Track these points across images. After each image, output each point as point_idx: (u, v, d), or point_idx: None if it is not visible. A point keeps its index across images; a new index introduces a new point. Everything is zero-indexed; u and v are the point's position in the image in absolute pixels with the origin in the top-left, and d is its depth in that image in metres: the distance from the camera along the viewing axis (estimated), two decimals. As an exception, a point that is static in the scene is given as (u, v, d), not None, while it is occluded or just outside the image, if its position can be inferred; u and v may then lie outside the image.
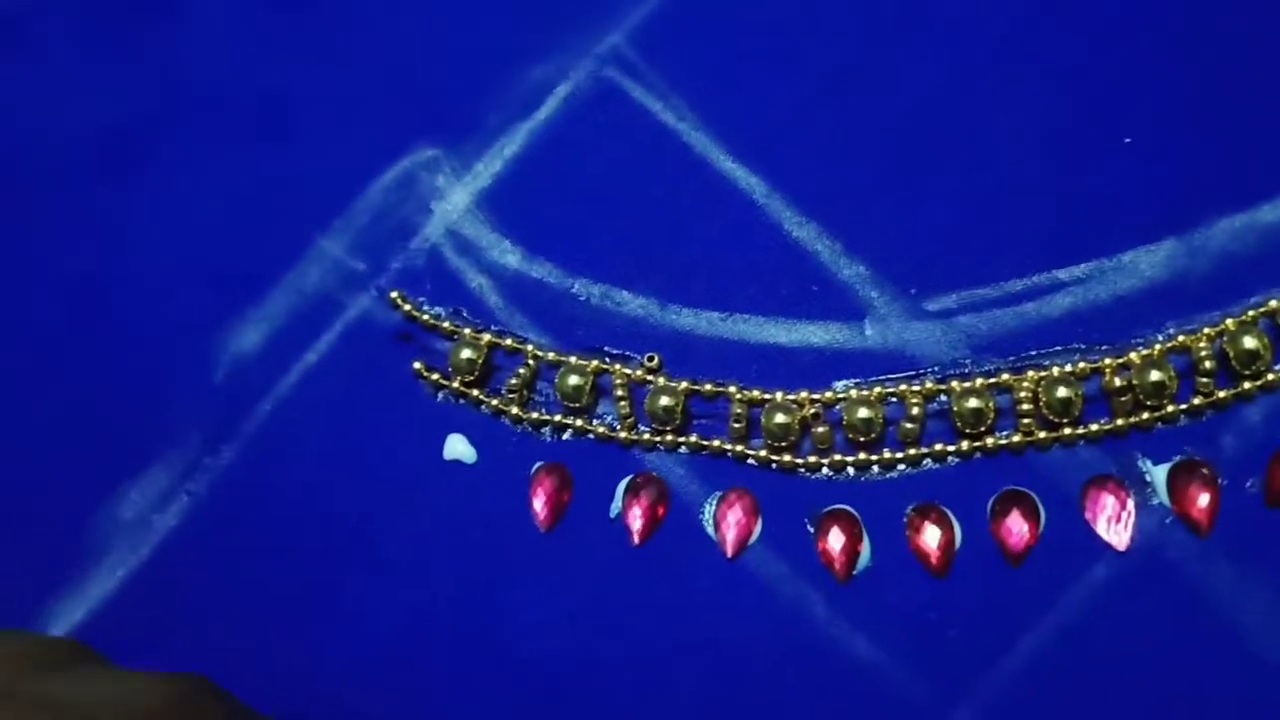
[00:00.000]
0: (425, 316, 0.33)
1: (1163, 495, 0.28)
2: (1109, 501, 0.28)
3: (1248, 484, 0.28)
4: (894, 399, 0.30)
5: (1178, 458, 0.29)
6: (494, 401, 0.32)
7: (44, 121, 0.36)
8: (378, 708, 0.31)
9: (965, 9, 0.32)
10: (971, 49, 0.32)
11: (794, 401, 0.30)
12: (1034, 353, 0.30)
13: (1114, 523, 0.28)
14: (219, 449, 0.33)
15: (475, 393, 0.32)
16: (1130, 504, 0.28)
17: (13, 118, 0.36)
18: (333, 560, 0.31)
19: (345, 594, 0.31)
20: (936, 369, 0.30)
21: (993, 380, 0.29)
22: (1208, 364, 0.28)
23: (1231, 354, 0.28)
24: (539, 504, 0.31)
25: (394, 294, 0.33)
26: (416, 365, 0.33)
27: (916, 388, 0.30)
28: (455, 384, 0.32)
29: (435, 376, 0.32)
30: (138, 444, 0.34)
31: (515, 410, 0.32)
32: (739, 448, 0.30)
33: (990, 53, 0.32)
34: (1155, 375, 0.28)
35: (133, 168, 0.35)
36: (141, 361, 0.34)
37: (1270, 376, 0.28)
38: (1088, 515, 0.29)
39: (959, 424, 0.29)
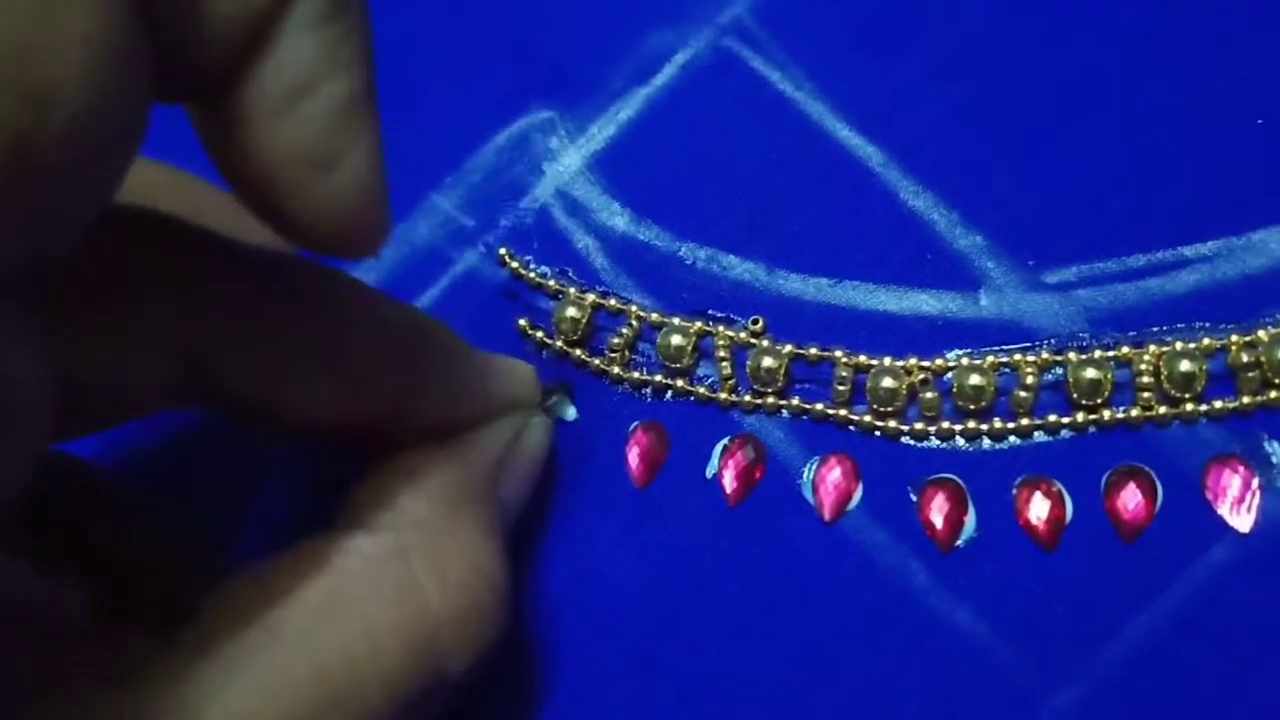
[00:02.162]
0: (531, 274, 0.33)
1: (1287, 479, 0.27)
2: (1233, 481, 0.27)
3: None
4: (1007, 369, 0.29)
5: (1309, 441, 0.27)
6: (596, 361, 0.32)
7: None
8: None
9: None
10: (1101, 19, 0.31)
11: (902, 367, 0.29)
12: (1156, 329, 0.29)
13: (1238, 504, 0.27)
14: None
15: (577, 352, 0.32)
16: (1255, 485, 0.27)
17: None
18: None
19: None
20: (1053, 341, 0.29)
21: (1112, 353, 0.28)
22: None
23: (1368, 336, 0.27)
24: (634, 460, 0.30)
25: (502, 250, 0.33)
26: (521, 323, 0.33)
27: (1032, 358, 0.29)
28: (558, 343, 0.32)
29: (539, 334, 0.32)
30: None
31: (616, 370, 0.32)
32: (842, 412, 0.30)
33: (1121, 23, 0.31)
34: (1286, 352, 0.27)
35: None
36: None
37: None
38: (1209, 495, 0.27)
39: (1074, 396, 0.28)
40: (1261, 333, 0.28)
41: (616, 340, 0.32)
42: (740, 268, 0.32)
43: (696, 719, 0.29)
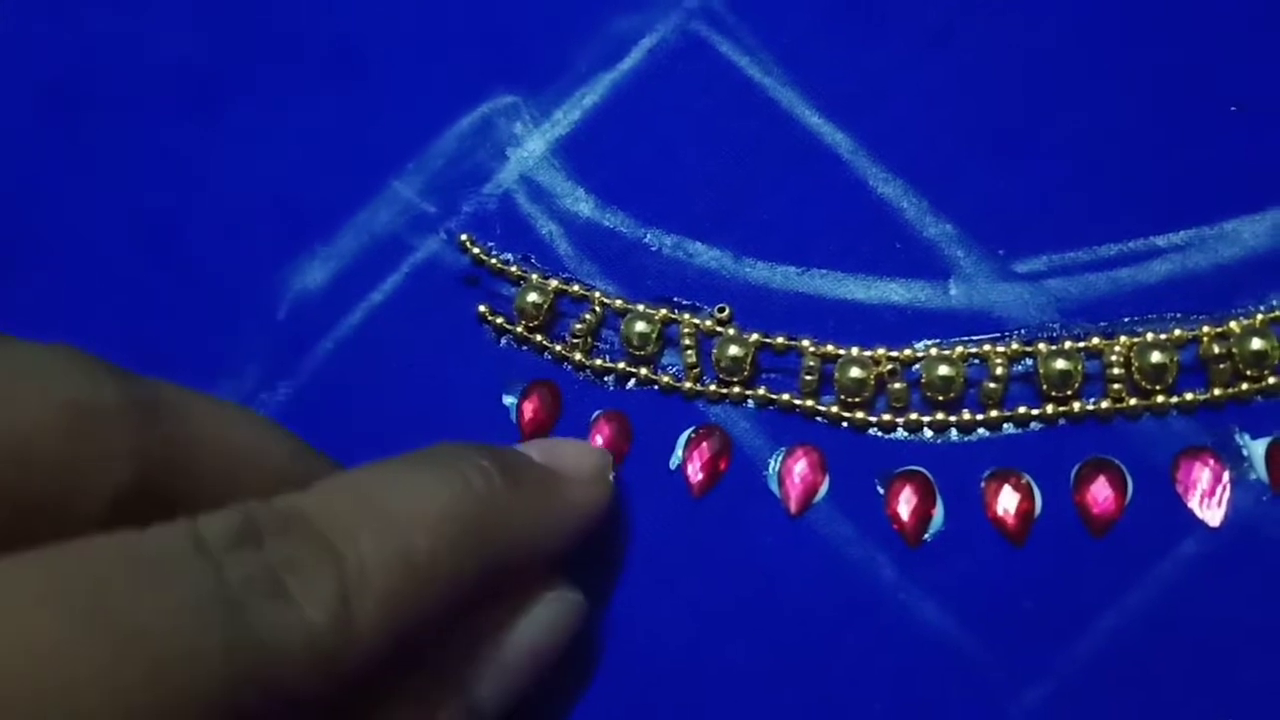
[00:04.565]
0: (493, 261, 0.32)
1: (1260, 471, 0.27)
2: (1204, 475, 0.27)
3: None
4: (977, 359, 0.28)
5: (1278, 432, 0.27)
6: (557, 347, 0.31)
7: (123, 55, 0.36)
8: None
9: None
10: (1072, 7, 0.31)
11: (870, 357, 0.29)
12: (1127, 319, 0.28)
13: (1208, 497, 0.27)
14: (275, 385, 0.33)
15: (539, 338, 0.31)
16: (1226, 478, 0.27)
17: (94, 51, 0.36)
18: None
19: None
20: (1023, 332, 0.29)
21: (1082, 344, 0.28)
22: (1314, 336, 0.27)
23: (1340, 328, 0.27)
24: (599, 447, 0.30)
25: (463, 236, 0.32)
26: (481, 308, 0.32)
27: (1001, 348, 0.28)
28: (519, 328, 0.31)
29: (500, 320, 0.32)
30: (195, 376, 0.33)
31: (578, 357, 0.31)
32: (809, 403, 0.29)
33: (1093, 11, 0.31)
34: (1257, 344, 0.27)
35: (209, 103, 0.35)
36: (205, 293, 0.34)
37: (1383, 350, 0.27)
38: (1179, 488, 0.27)
39: (1044, 387, 0.28)
40: (1233, 324, 0.27)
41: (579, 326, 0.31)
42: (706, 255, 0.31)
43: (661, 712, 0.28)
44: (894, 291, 0.30)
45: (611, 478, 0.27)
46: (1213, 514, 0.26)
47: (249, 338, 0.33)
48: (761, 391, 0.30)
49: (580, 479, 0.26)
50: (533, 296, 0.31)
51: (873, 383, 0.29)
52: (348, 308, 0.33)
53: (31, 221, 0.36)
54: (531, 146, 0.33)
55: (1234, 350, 0.27)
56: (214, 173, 0.34)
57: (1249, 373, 0.27)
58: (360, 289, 0.33)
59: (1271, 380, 0.27)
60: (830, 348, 0.29)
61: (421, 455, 0.25)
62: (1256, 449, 0.27)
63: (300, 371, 0.33)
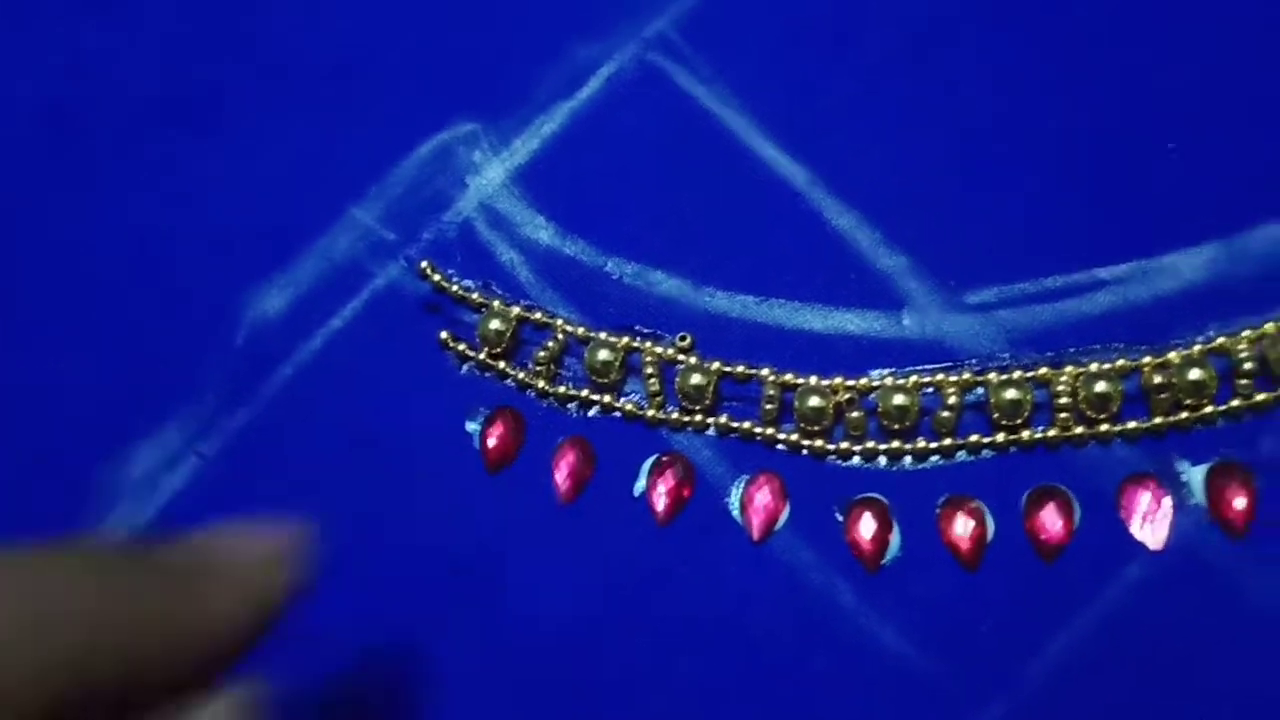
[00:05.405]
0: (454, 288, 0.32)
1: (1199, 496, 0.28)
2: (1145, 500, 0.28)
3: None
4: (930, 388, 0.29)
5: (1215, 459, 0.28)
6: (520, 375, 0.32)
7: (80, 80, 0.36)
8: (388, 677, 0.30)
9: (1016, 3, 0.32)
10: (1020, 44, 0.32)
11: (828, 387, 0.30)
12: (1073, 349, 0.29)
13: (1149, 522, 0.28)
14: (234, 410, 0.33)
15: (501, 365, 0.32)
16: (1166, 503, 0.28)
17: (56, 75, 0.36)
18: (345, 528, 0.31)
19: (357, 562, 0.30)
20: (974, 361, 0.30)
21: (1031, 374, 0.29)
22: (1247, 366, 0.28)
23: (1272, 358, 0.28)
24: (560, 477, 0.30)
25: (424, 263, 0.32)
26: (443, 335, 0.32)
27: (954, 378, 0.29)
28: (482, 355, 0.32)
29: (462, 347, 0.32)
30: (153, 401, 0.33)
31: (542, 384, 0.31)
32: (770, 431, 0.30)
33: (1039, 49, 0.32)
34: (1195, 374, 0.28)
35: (168, 132, 0.35)
36: (164, 318, 0.33)
37: (1313, 381, 0.28)
38: (1123, 514, 0.28)
39: (995, 416, 0.29)
40: (1173, 354, 0.29)
41: (542, 354, 0.32)
42: (667, 283, 0.32)
43: (624, 738, 0.29)
44: (850, 321, 0.31)
45: (289, 568, 0.24)
46: (1155, 538, 0.28)
47: (207, 365, 0.33)
48: (723, 420, 0.30)
49: (237, 575, 0.23)
50: (495, 324, 0.32)
51: (831, 411, 0.30)
52: (308, 334, 0.33)
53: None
54: (491, 174, 0.34)
55: (1174, 380, 0.28)
56: (173, 200, 0.34)
57: (1188, 402, 0.28)
58: (320, 315, 0.33)
59: (1209, 409, 0.28)
60: (789, 377, 0.30)
61: (33, 552, 0.22)
62: (1195, 475, 0.28)
63: (259, 397, 0.33)
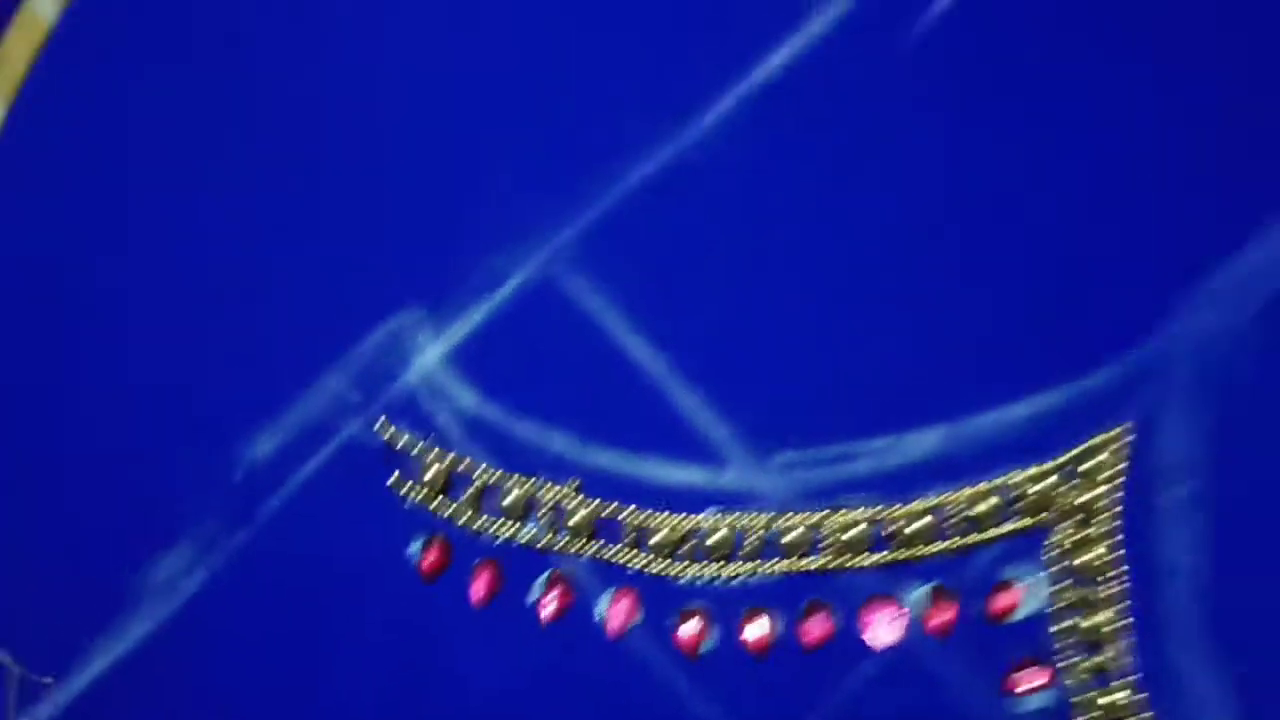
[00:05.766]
0: (403, 441, 0.44)
1: (920, 610, 0.40)
2: (883, 614, 0.40)
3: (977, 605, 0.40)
4: (743, 526, 0.41)
5: (934, 582, 0.40)
6: (450, 510, 0.43)
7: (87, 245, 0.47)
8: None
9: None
10: (824, 247, 0.44)
11: (672, 524, 0.42)
12: (842, 499, 0.41)
13: (887, 627, 0.40)
14: (234, 532, 0.44)
15: (436, 502, 0.43)
16: (899, 615, 0.40)
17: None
18: (323, 626, 0.42)
19: (334, 653, 0.42)
20: (774, 508, 0.42)
21: (814, 518, 0.41)
22: (962, 516, 0.40)
23: (979, 512, 0.40)
24: (478, 588, 0.42)
25: (379, 424, 0.44)
26: (393, 478, 0.43)
27: (761, 519, 0.41)
28: (421, 495, 0.43)
29: (407, 487, 0.43)
30: (172, 521, 0.44)
31: (466, 517, 0.43)
32: (630, 555, 0.42)
33: (830, 257, 0.44)
34: (921, 523, 0.40)
35: (192, 310, 0.46)
36: (182, 458, 0.44)
37: (1000, 530, 0.40)
38: (868, 620, 0.40)
39: (786, 549, 0.41)
40: (913, 506, 0.41)
41: (468, 494, 0.43)
42: (561, 442, 0.44)
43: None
44: (691, 474, 0.43)
45: None
46: (890, 639, 0.40)
47: (213, 495, 0.44)
48: (597, 545, 0.42)
49: None
50: (432, 471, 0.43)
51: (674, 541, 0.41)
52: (292, 472, 0.44)
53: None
54: (432, 353, 0.45)
55: (905, 529, 0.40)
56: (189, 365, 0.45)
57: (919, 542, 0.40)
58: (301, 459, 0.44)
59: (928, 549, 0.40)
60: (645, 516, 0.42)
61: None
62: (920, 594, 0.40)
63: (254, 522, 0.44)
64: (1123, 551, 0.39)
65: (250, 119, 0.47)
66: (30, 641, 0.42)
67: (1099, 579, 0.39)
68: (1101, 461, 0.40)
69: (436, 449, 0.43)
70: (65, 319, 0.46)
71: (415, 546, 0.43)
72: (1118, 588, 0.39)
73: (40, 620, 0.42)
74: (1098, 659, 0.39)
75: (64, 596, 0.44)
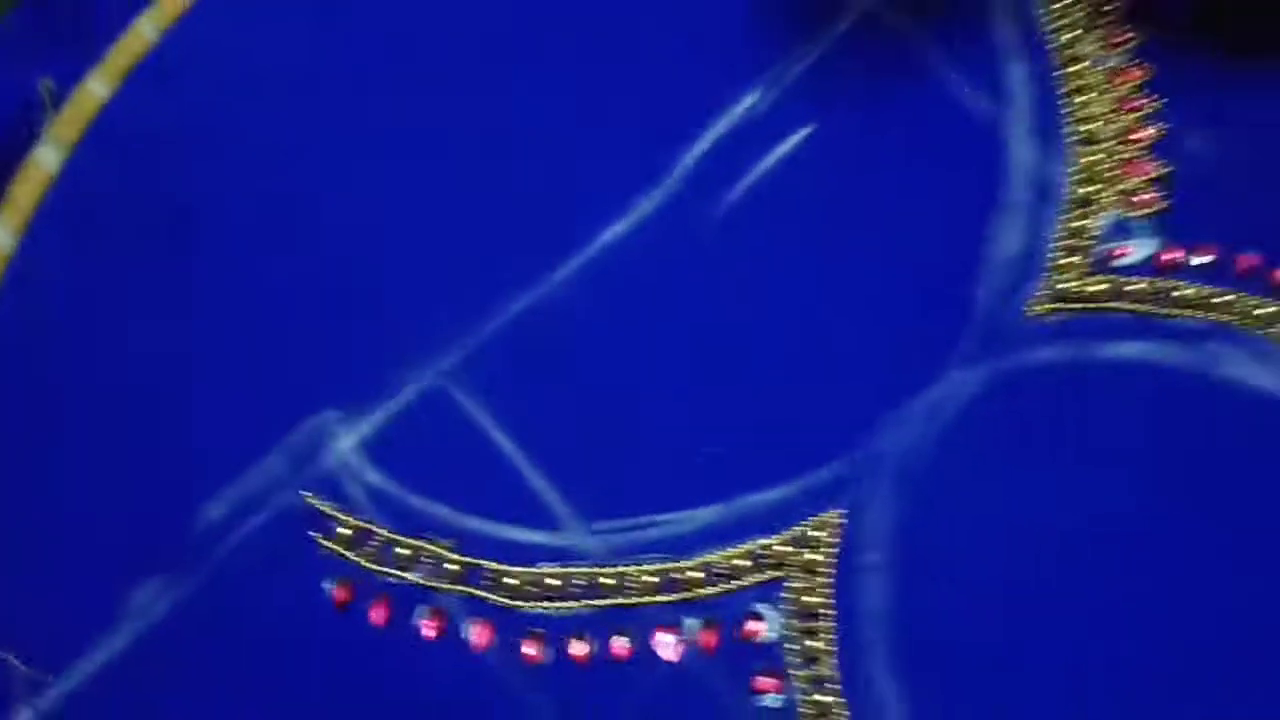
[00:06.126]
0: (326, 508, 0.59)
1: (694, 633, 0.56)
2: (669, 638, 0.56)
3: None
4: (570, 574, 0.57)
5: (706, 616, 0.57)
6: (357, 558, 0.58)
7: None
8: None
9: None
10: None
11: (520, 572, 0.57)
12: (642, 556, 0.58)
13: (672, 647, 0.56)
14: (195, 570, 0.58)
15: (347, 553, 0.58)
16: (677, 640, 0.56)
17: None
18: (265, 639, 0.57)
19: (276, 656, 0.56)
20: (595, 561, 0.58)
21: (620, 569, 0.57)
22: (727, 569, 0.57)
23: (735, 566, 0.57)
24: (376, 615, 0.57)
25: (308, 495, 0.59)
26: (318, 537, 0.58)
27: (584, 570, 0.57)
28: (336, 547, 0.58)
29: (327, 543, 0.58)
30: (146, 558, 0.58)
31: (372, 565, 0.58)
32: (490, 596, 0.57)
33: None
34: (699, 573, 0.56)
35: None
36: (153, 513, 0.59)
37: (752, 579, 0.57)
38: (658, 640, 0.56)
39: (602, 591, 0.57)
40: (693, 561, 0.57)
41: (370, 546, 0.58)
42: (443, 511, 0.59)
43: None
44: (536, 537, 0.58)
45: None
46: (671, 656, 0.56)
47: (177, 543, 0.58)
48: (466, 587, 0.58)
49: None
50: (344, 531, 0.58)
51: (522, 584, 0.57)
52: (239, 528, 0.59)
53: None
54: (346, 442, 0.60)
55: (687, 577, 0.57)
56: (162, 444, 0.60)
57: (696, 588, 0.57)
58: (246, 518, 0.59)
59: (702, 592, 0.57)
60: (501, 566, 0.58)
61: None
62: (694, 623, 0.56)
63: (211, 562, 0.58)
64: (834, 598, 0.57)
65: (214, 249, 0.62)
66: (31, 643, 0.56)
67: (818, 615, 0.56)
68: (822, 535, 0.57)
69: (349, 514, 0.59)
70: (62, 434, 0.61)
71: (329, 584, 0.58)
72: (830, 622, 0.56)
73: (39, 624, 0.57)
74: (814, 670, 0.56)
75: (59, 605, 0.58)
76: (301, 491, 0.59)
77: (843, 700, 0.54)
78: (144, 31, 0.67)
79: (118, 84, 0.67)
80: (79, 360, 0.62)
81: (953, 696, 0.54)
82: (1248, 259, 0.61)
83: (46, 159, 0.66)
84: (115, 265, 0.63)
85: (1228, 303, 0.60)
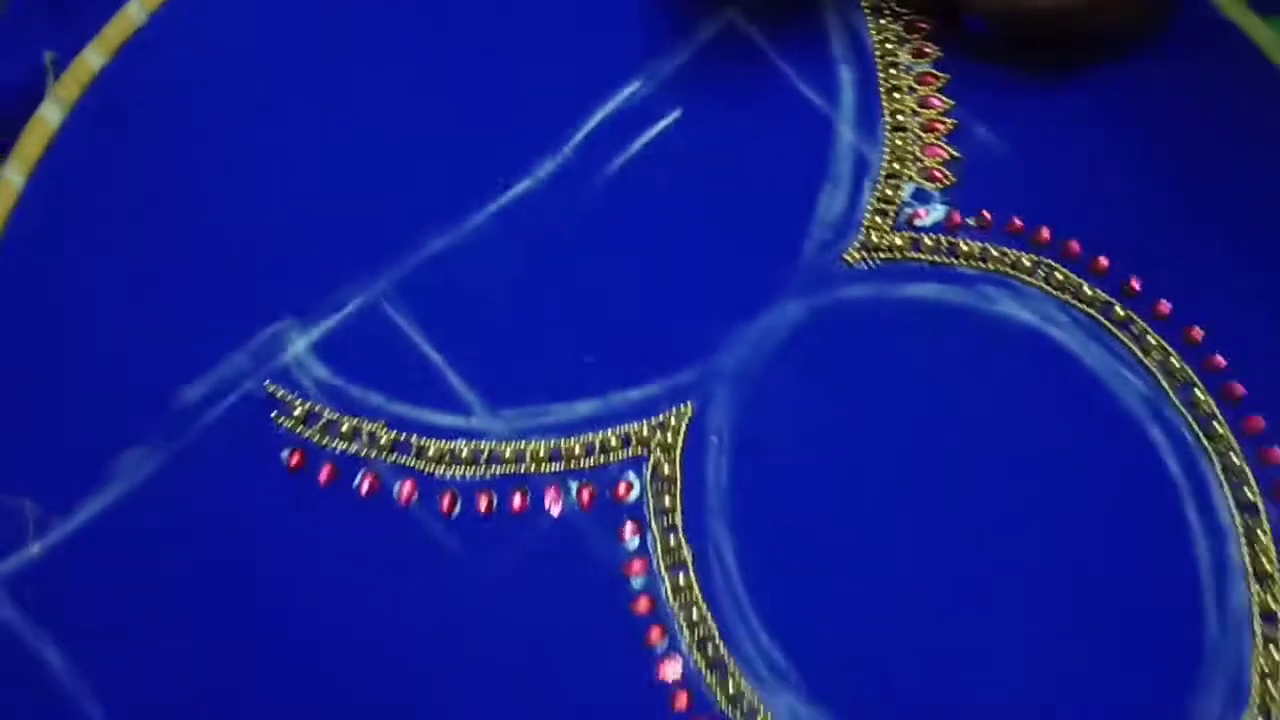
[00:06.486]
0: (282, 395, 0.73)
1: (575, 493, 0.72)
2: (549, 490, 0.71)
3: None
4: (479, 448, 0.72)
5: (584, 479, 0.72)
6: (307, 434, 0.73)
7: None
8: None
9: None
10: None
11: (439, 447, 0.72)
12: (538, 436, 0.73)
13: (558, 503, 0.71)
14: (173, 440, 0.72)
15: (300, 429, 0.73)
16: (558, 494, 0.71)
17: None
18: (228, 499, 0.71)
19: (236, 515, 0.71)
20: (499, 439, 0.73)
21: (519, 447, 0.72)
22: (604, 445, 0.72)
23: (612, 444, 0.72)
24: (322, 477, 0.72)
25: (268, 384, 0.73)
26: (274, 415, 0.73)
27: (488, 445, 0.72)
28: (290, 425, 0.73)
29: (281, 420, 0.73)
30: (140, 430, 0.72)
31: (319, 438, 0.73)
32: (414, 462, 0.72)
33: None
34: (582, 449, 0.72)
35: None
36: (147, 392, 0.72)
37: (624, 454, 0.72)
38: (548, 498, 0.71)
39: (505, 461, 0.72)
40: (579, 440, 0.73)
41: (318, 426, 0.73)
42: (377, 398, 0.74)
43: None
44: (452, 420, 0.73)
45: None
46: (556, 511, 0.71)
47: (159, 418, 0.72)
48: (395, 456, 0.72)
49: None
50: (297, 412, 0.73)
51: (440, 455, 0.72)
52: (212, 409, 0.73)
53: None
54: (301, 344, 0.75)
55: (573, 451, 0.72)
56: (145, 338, 0.74)
57: (578, 460, 0.72)
58: (218, 400, 0.73)
59: (584, 463, 0.72)
60: (423, 440, 0.73)
61: None
62: (575, 485, 0.72)
63: (188, 435, 0.72)
64: (683, 469, 0.72)
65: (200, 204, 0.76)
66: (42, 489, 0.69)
67: (672, 481, 0.72)
68: (676, 423, 0.73)
69: (301, 400, 0.73)
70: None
71: (285, 453, 0.72)
72: (680, 487, 0.72)
73: (50, 475, 0.70)
74: (667, 521, 0.71)
75: (65, 462, 0.71)
76: (265, 382, 0.74)
77: (689, 545, 0.70)
78: (133, 13, 0.82)
79: (110, 56, 0.81)
80: (83, 272, 0.75)
81: (774, 542, 0.70)
82: (1014, 223, 0.79)
83: (50, 115, 0.80)
84: (108, 199, 0.77)
85: (998, 256, 0.78)
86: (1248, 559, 0.70)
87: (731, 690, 0.68)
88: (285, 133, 0.79)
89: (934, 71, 0.82)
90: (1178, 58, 0.82)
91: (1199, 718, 0.67)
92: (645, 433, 0.72)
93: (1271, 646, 0.68)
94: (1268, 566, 0.70)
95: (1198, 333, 0.75)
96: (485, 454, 0.72)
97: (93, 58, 0.80)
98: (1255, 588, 0.70)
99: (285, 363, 0.75)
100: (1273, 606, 0.69)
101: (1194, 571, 0.70)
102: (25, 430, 0.72)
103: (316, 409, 0.74)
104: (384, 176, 0.78)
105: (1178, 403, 0.73)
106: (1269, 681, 0.68)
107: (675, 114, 0.80)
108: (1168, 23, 0.81)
